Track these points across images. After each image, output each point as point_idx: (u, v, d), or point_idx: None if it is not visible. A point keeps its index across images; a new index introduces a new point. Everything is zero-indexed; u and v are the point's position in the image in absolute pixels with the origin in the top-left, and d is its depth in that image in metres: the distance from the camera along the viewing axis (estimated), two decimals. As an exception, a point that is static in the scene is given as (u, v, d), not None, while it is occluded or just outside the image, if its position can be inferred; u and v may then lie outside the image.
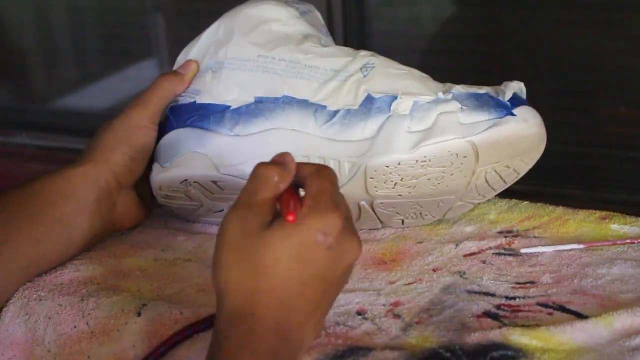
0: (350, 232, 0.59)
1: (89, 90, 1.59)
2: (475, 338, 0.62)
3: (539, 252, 0.74)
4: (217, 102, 0.78)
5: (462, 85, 0.76)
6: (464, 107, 0.73)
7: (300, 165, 0.61)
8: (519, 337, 0.62)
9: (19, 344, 0.70)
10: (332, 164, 0.75)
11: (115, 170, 0.78)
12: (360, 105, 0.75)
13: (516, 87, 0.75)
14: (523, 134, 0.74)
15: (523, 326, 0.64)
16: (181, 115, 0.80)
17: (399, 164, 0.73)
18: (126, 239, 0.82)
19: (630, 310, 0.63)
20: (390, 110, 0.74)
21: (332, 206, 0.58)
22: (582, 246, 0.75)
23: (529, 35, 1.17)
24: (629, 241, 0.75)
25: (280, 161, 0.60)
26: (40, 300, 0.72)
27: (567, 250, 0.75)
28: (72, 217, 0.76)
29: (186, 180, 0.78)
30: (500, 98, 0.74)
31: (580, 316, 0.65)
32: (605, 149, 1.16)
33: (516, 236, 0.78)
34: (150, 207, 0.84)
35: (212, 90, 0.79)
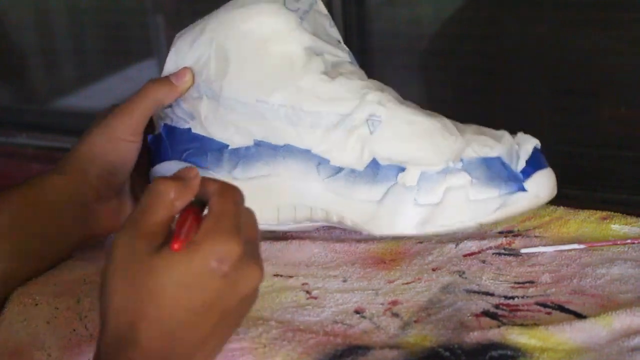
0: (251, 259, 0.55)
1: (89, 90, 1.60)
2: (474, 337, 0.62)
3: (539, 252, 0.74)
4: (213, 138, 0.75)
5: (474, 145, 0.72)
6: (473, 180, 0.71)
7: (205, 180, 0.57)
8: (518, 337, 0.62)
9: (19, 350, 0.70)
10: (334, 219, 0.74)
11: (92, 183, 0.75)
12: (365, 168, 0.72)
13: (530, 148, 0.73)
14: (532, 207, 0.73)
15: (522, 325, 0.63)
16: (176, 144, 0.76)
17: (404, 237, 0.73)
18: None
19: (629, 310, 0.63)
20: (396, 179, 0.72)
21: (231, 231, 0.54)
22: (582, 246, 0.75)
23: (529, 35, 1.17)
24: (629, 241, 0.75)
25: (182, 175, 0.56)
26: (37, 304, 0.72)
27: (567, 250, 0.75)
28: (45, 230, 0.74)
29: None
30: (513, 167, 0.72)
31: (579, 316, 0.65)
32: (605, 149, 1.16)
33: (516, 236, 0.78)
34: None
35: (207, 127, 0.75)
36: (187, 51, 0.74)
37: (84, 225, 0.76)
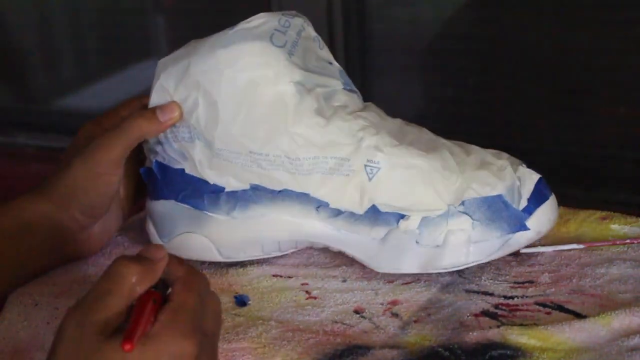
0: (207, 357, 0.52)
1: (89, 90, 1.60)
2: (473, 337, 0.62)
3: (538, 252, 0.74)
4: (208, 181, 0.72)
5: (475, 184, 0.70)
6: (475, 222, 0.70)
7: (172, 262, 0.55)
8: (517, 337, 0.62)
9: (19, 350, 0.70)
10: (336, 250, 0.74)
11: (75, 217, 0.73)
12: (365, 212, 0.70)
13: (532, 186, 0.71)
14: (533, 241, 0.72)
15: (521, 325, 0.64)
16: (171, 184, 0.73)
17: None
18: (123, 240, 0.82)
19: (628, 310, 0.63)
20: (397, 223, 0.70)
21: (189, 328, 0.52)
22: (581, 246, 0.75)
23: (528, 35, 1.17)
24: (628, 241, 0.75)
25: (148, 256, 0.54)
26: (36, 304, 0.71)
27: (567, 250, 0.75)
28: (27, 257, 0.73)
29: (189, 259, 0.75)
30: (515, 205, 0.70)
31: (579, 315, 0.65)
32: (605, 149, 1.16)
33: (515, 236, 0.78)
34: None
35: (202, 171, 0.72)
36: (173, 90, 0.71)
37: (63, 251, 0.75)
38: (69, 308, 0.52)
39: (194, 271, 0.56)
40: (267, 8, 1.26)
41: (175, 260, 0.56)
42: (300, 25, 0.73)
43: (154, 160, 0.74)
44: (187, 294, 0.53)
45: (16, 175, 1.50)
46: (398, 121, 0.74)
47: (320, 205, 0.71)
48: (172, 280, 0.54)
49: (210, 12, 1.43)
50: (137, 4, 1.55)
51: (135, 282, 0.52)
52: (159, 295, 0.53)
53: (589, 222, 0.79)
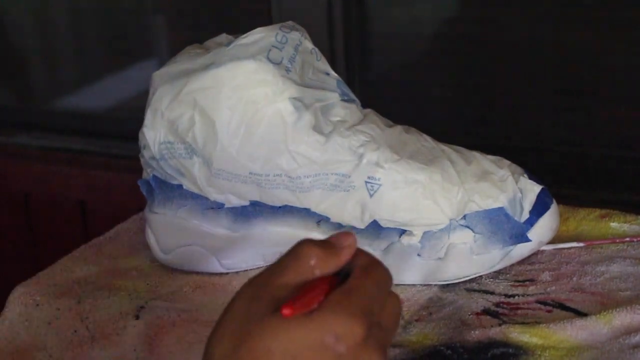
0: (373, 348, 0.48)
1: (89, 90, 1.59)
2: (475, 335, 0.62)
3: (538, 250, 0.74)
4: (208, 197, 0.72)
5: (476, 197, 0.70)
6: (476, 236, 0.70)
7: (360, 252, 0.51)
8: (519, 335, 0.62)
9: (20, 350, 0.70)
10: None
11: None
12: (367, 227, 0.70)
13: (533, 198, 0.71)
14: (534, 251, 0.72)
15: (522, 323, 0.64)
16: (169, 198, 0.73)
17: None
18: (122, 240, 0.82)
19: (629, 308, 0.63)
20: (399, 238, 0.70)
21: (359, 309, 0.47)
22: (581, 244, 0.75)
23: (528, 35, 1.17)
24: (627, 239, 0.75)
25: (334, 242, 0.50)
26: (38, 305, 0.71)
27: (567, 248, 0.75)
28: None
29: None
30: (517, 217, 0.70)
31: (580, 313, 0.65)
32: (605, 149, 1.16)
33: (516, 235, 0.78)
34: None
35: (201, 187, 0.71)
36: (165, 107, 0.70)
37: None
38: (243, 284, 0.50)
39: (378, 262, 0.51)
40: (267, 8, 1.26)
41: (360, 250, 0.51)
42: (298, 40, 0.72)
43: (151, 175, 0.73)
44: (364, 279, 0.49)
45: (16, 175, 1.50)
46: (398, 129, 0.73)
47: (321, 219, 0.71)
48: (352, 270, 0.51)
49: (210, 13, 1.43)
50: (137, 4, 1.55)
51: (314, 265, 0.49)
52: (335, 280, 0.50)
53: (588, 220, 0.79)
